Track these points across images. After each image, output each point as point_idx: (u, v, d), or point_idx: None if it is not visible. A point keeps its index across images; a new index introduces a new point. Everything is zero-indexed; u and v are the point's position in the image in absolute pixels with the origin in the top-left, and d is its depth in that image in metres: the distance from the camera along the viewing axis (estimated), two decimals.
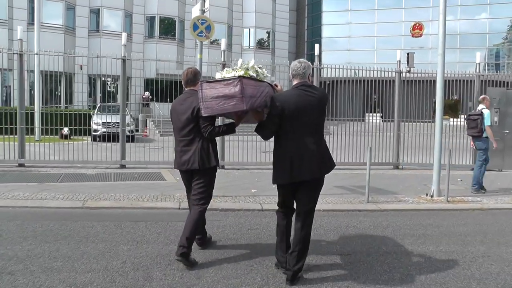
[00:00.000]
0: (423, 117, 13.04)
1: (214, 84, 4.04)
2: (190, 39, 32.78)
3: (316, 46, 12.39)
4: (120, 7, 30.75)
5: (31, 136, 11.43)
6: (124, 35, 11.89)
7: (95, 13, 30.78)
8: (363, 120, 14.72)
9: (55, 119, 11.95)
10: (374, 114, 18.00)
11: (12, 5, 28.35)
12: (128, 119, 19.07)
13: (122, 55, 11.48)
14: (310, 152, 3.90)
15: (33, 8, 29.23)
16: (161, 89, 14.17)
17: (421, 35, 27.82)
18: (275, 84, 4.39)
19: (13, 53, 11.43)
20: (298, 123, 3.91)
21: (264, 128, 4.10)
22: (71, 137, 14.29)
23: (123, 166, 11.28)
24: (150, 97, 26.62)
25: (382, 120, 14.80)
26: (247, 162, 11.68)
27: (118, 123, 17.50)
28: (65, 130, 14.12)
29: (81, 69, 25.56)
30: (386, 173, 11.32)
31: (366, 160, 11.65)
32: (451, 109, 13.49)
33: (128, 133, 15.78)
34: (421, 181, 10.01)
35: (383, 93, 13.68)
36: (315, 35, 37.38)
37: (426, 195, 8.28)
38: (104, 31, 30.40)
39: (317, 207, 4.34)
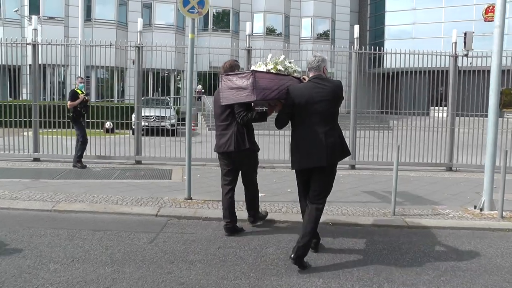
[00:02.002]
0: (484, 109, 10.95)
1: (231, 77, 4.51)
2: (245, 31, 31.81)
3: (356, 27, 10.70)
4: (172, 0, 30.29)
5: (73, 130, 11.05)
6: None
7: (148, 7, 30.55)
8: (427, 114, 12.73)
9: (99, 112, 11.20)
10: (440, 108, 16.02)
11: (68, 3, 28.76)
12: (170, 112, 18.48)
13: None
14: (319, 141, 4.15)
15: (88, 5, 29.79)
16: (214, 82, 13.59)
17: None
18: (303, 78, 4.57)
19: (26, 44, 10.86)
20: (308, 113, 4.20)
21: (278, 118, 4.47)
22: (116, 131, 13.68)
23: (138, 162, 10.34)
24: (203, 90, 25.99)
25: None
26: (274, 160, 10.28)
27: (158, 116, 16.92)
28: (108, 124, 13.63)
29: (133, 63, 25.42)
30: (434, 176, 9.47)
31: (423, 160, 10.60)
32: None
33: (170, 127, 15.21)
34: (475, 187, 8.15)
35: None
36: (379, 23, 34.90)
37: (475, 207, 6.50)
38: (155, 25, 30.09)
39: (327, 219, 4.95)
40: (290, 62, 4.74)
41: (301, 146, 4.26)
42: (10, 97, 19.02)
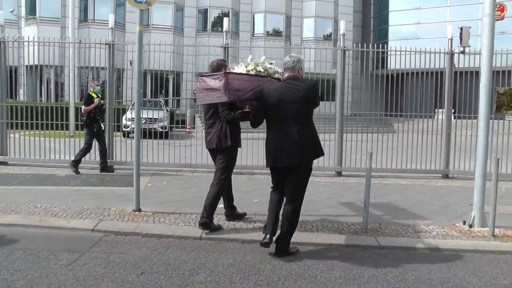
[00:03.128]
0: (456, 110, 10.11)
1: (205, 78, 4.61)
2: (246, 32, 31.06)
3: (342, 22, 9.89)
4: (170, 1, 29.67)
5: (66, 131, 10.38)
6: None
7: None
8: (432, 117, 11.85)
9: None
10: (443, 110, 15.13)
11: (65, 3, 28.23)
12: (162, 114, 17.77)
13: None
14: (291, 140, 4.22)
15: (85, 6, 29.24)
16: None
17: (502, 18, 23.81)
18: (282, 79, 4.58)
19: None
20: (280, 113, 4.29)
21: (252, 117, 4.60)
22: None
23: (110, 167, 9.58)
24: None
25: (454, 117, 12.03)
26: (253, 166, 9.48)
27: (151, 118, 16.21)
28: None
29: (131, 64, 24.79)
30: (426, 185, 8.61)
31: (419, 167, 9.65)
32: None
33: (161, 129, 14.51)
34: (469, 198, 7.18)
35: (457, 86, 10.71)
36: (382, 23, 33.94)
37: (464, 223, 5.65)
38: (153, 26, 29.49)
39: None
40: (271, 63, 4.86)
41: (274, 145, 4.33)
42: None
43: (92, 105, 8.93)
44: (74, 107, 15.18)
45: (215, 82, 4.47)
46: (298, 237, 4.76)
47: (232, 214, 5.61)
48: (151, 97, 22.08)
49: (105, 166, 9.16)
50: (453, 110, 14.10)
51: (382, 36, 33.73)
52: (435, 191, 8.01)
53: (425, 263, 4.37)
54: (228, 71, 4.87)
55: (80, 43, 10.42)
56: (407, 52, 9.91)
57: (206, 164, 9.52)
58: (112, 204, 6.28)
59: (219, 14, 31.05)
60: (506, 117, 9.77)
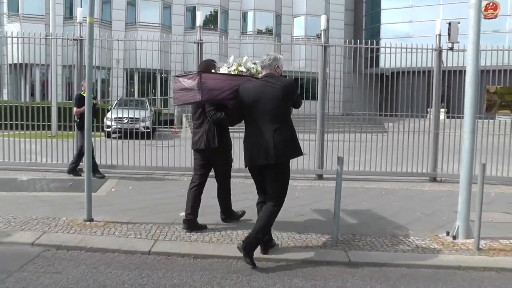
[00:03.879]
0: (477, 111, 9.57)
1: (181, 78, 4.65)
2: (235, 30, 30.49)
3: (323, 17, 9.38)
4: None
5: (48, 131, 9.79)
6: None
7: (133, 5, 29.31)
8: (423, 117, 11.35)
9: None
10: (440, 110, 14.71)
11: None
12: (145, 114, 17.21)
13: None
14: (268, 140, 4.14)
15: (70, 3, 28.57)
16: None
17: (495, 16, 23.25)
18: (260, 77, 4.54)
19: None
20: (257, 112, 4.23)
21: (228, 116, 4.65)
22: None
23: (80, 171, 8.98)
24: None
25: (446, 116, 11.58)
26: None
27: (133, 118, 15.62)
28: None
29: (118, 63, 24.22)
30: (411, 189, 8.09)
31: (405, 169, 9.08)
32: None
33: (143, 129, 13.94)
34: (457, 204, 6.68)
35: (450, 85, 10.17)
36: (375, 22, 33.40)
37: (447, 234, 5.13)
38: (140, 23, 28.87)
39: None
40: (254, 63, 4.84)
41: (251, 144, 4.27)
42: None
43: (84, 107, 8.31)
44: (57, 107, 14.56)
45: (189, 82, 4.47)
46: (255, 251, 4.23)
47: (193, 220, 5.25)
48: (138, 97, 21.56)
49: (75, 168, 8.54)
50: (446, 110, 13.73)
51: (374, 34, 33.18)
52: (420, 196, 7.50)
53: (400, 283, 3.85)
54: (217, 70, 4.96)
55: (46, 38, 9.81)
56: (393, 49, 9.45)
57: (179, 167, 9.02)
58: (65, 213, 5.72)
59: (211, 12, 30.47)
60: (497, 117, 9.27)
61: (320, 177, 8.79)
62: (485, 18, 25.59)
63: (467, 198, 5.05)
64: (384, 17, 32.99)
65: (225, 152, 5.20)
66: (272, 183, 4.26)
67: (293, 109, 4.63)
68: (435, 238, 5.03)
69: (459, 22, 9.02)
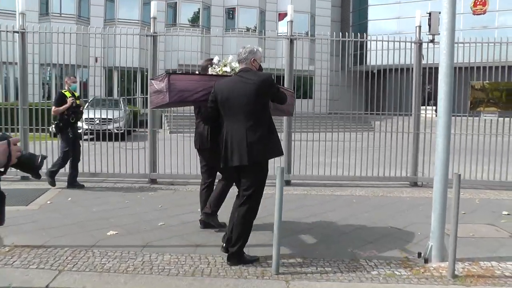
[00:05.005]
0: (461, 109, 8.82)
1: (153, 81, 4.51)
2: (218, 26, 29.59)
3: (289, 7, 8.58)
4: None
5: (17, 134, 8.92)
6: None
7: (112, 1, 28.35)
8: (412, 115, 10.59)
9: (46, 115, 8.91)
10: (427, 107, 14.05)
11: None
12: (119, 114, 16.35)
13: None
14: (241, 138, 3.91)
15: None
16: None
17: (484, 12, 22.92)
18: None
19: None
20: (230, 109, 4.01)
21: (204, 114, 4.54)
22: None
23: (24, 178, 8.07)
24: None
25: (436, 115, 10.75)
26: (173, 175, 8.21)
27: (105, 119, 14.68)
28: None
29: (96, 61, 23.31)
30: (387, 196, 7.29)
31: (384, 173, 8.33)
32: (504, 97, 8.93)
33: (117, 130, 13.06)
34: None
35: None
36: (362, 18, 32.60)
37: (419, 255, 4.30)
38: (119, 20, 27.94)
39: None
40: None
41: (226, 143, 4.02)
42: None
43: (65, 106, 7.38)
44: (28, 108, 13.58)
45: (159, 84, 4.36)
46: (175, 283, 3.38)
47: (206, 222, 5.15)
48: (118, 96, 20.66)
49: (53, 174, 7.43)
50: (434, 108, 13.00)
51: (361, 31, 32.12)
52: (395, 204, 6.69)
53: None
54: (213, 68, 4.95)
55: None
56: (374, 44, 8.72)
57: (132, 173, 8.20)
58: None
59: (198, 9, 29.58)
60: (482, 115, 8.49)
61: (287, 183, 7.95)
62: (474, 14, 25.14)
63: (441, 213, 4.23)
64: (372, 13, 32.21)
65: (212, 152, 4.93)
66: (246, 184, 4.00)
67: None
68: (403, 262, 4.21)
69: (439, 12, 8.21)
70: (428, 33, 8.23)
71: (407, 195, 7.44)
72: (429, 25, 8.10)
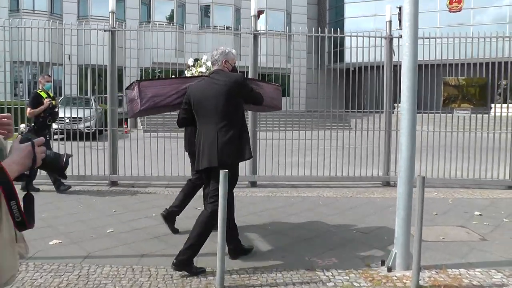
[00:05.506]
0: (434, 106, 8.61)
1: (127, 90, 4.47)
2: (193, 24, 29.08)
3: (253, 2, 8.30)
4: None
5: None
6: None
7: None
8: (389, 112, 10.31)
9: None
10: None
11: None
12: (90, 113, 15.85)
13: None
14: (212, 141, 3.87)
15: None
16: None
17: (460, 9, 22.92)
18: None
19: None
20: (201, 111, 3.98)
21: (178, 117, 4.29)
22: None
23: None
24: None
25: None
26: (134, 177, 7.78)
27: (75, 118, 14.12)
28: (22, 127, 10.86)
29: (69, 59, 22.65)
30: (357, 197, 6.99)
31: (354, 173, 8.06)
32: (477, 94, 8.75)
33: (87, 130, 12.55)
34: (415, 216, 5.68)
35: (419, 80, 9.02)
36: (339, 16, 32.45)
37: (382, 263, 3.99)
38: (92, 17, 27.24)
39: None
40: None
41: (199, 146, 3.98)
42: None
43: (41, 107, 6.94)
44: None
45: (131, 92, 4.33)
46: None
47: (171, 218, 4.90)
48: (93, 94, 20.08)
49: (60, 182, 7.07)
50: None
51: (338, 29, 32.27)
52: (364, 206, 6.39)
53: None
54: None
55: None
56: (340, 37, 8.45)
57: (91, 175, 7.77)
58: None
59: (173, 7, 29.02)
60: (455, 112, 8.27)
61: (253, 184, 7.61)
62: (450, 11, 25.18)
63: (406, 218, 3.92)
64: (348, 11, 32.09)
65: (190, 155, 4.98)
66: (214, 184, 3.87)
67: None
68: (364, 271, 3.88)
69: None
70: (398, 28, 7.97)
71: (378, 196, 7.16)
72: (399, 20, 7.87)
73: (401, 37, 7.92)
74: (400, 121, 3.90)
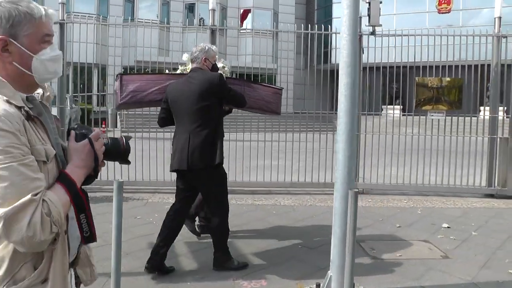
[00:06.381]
0: (407, 107, 8.15)
1: (116, 82, 4.40)
2: (178, 22, 28.60)
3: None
4: None
5: None
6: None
7: None
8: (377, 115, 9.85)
9: None
10: (394, 107, 14.10)
11: None
12: (65, 112, 15.38)
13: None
14: (184, 142, 3.76)
15: None
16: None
17: (449, 11, 22.57)
18: None
19: None
20: (178, 111, 3.89)
21: (158, 116, 4.18)
22: None
23: None
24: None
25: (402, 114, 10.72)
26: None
27: None
28: None
29: None
30: (316, 206, 6.45)
31: (318, 179, 7.52)
32: (449, 95, 8.18)
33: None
34: (367, 227, 5.21)
35: (406, 81, 8.57)
36: (327, 15, 31.96)
37: (317, 287, 3.46)
38: (75, 14, 26.69)
39: None
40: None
41: (174, 146, 3.89)
42: None
43: None
44: None
45: (115, 85, 4.37)
46: None
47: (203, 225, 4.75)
48: (74, 93, 19.59)
49: None
50: (401, 106, 12.41)
51: (326, 29, 31.83)
52: (321, 216, 5.86)
53: None
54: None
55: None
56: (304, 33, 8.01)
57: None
58: None
59: (161, 3, 28.49)
60: (429, 114, 7.76)
61: None
62: (439, 13, 24.78)
63: (343, 237, 3.38)
64: (337, 11, 31.59)
65: None
66: (202, 192, 3.92)
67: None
68: None
69: (381, 2, 7.47)
70: (367, 25, 7.48)
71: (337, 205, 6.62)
72: (369, 15, 7.35)
73: (371, 34, 7.51)
74: (338, 129, 3.37)
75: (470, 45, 7.73)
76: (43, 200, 1.21)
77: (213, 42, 7.37)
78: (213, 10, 7.42)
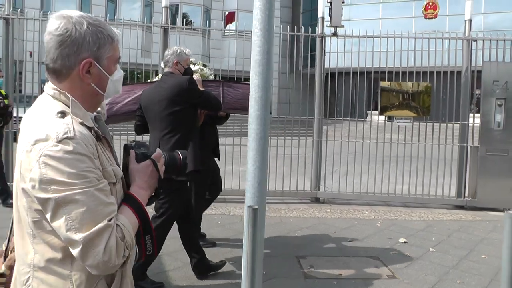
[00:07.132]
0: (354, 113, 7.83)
1: None
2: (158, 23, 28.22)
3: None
4: None
5: None
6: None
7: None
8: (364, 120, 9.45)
9: None
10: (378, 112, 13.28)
11: None
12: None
13: None
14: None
15: None
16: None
17: (435, 16, 22.37)
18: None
19: None
20: (149, 117, 3.75)
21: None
22: None
23: None
24: None
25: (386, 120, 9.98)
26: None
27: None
28: None
29: (31, 56, 21.75)
30: (270, 216, 6.01)
31: (281, 187, 7.19)
32: (418, 101, 7.73)
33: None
34: (321, 239, 4.81)
35: (371, 85, 8.28)
36: (313, 19, 31.64)
37: None
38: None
39: None
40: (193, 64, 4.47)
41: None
42: None
43: None
44: None
45: None
46: None
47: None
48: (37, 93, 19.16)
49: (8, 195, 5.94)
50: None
51: (312, 33, 31.56)
52: (268, 229, 5.41)
53: None
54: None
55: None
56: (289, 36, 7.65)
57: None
58: None
59: (144, 4, 28.14)
60: (395, 120, 7.39)
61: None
62: (425, 18, 24.51)
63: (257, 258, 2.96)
64: (322, 14, 31.46)
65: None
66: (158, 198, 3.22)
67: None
68: None
69: (343, 2, 7.10)
70: (329, 25, 7.12)
71: (295, 215, 6.23)
72: (330, 15, 7.00)
73: (333, 35, 7.19)
74: (248, 135, 2.94)
75: (439, 51, 7.39)
76: (117, 224, 1.23)
77: (165, 41, 7.01)
78: (166, 7, 7.04)
